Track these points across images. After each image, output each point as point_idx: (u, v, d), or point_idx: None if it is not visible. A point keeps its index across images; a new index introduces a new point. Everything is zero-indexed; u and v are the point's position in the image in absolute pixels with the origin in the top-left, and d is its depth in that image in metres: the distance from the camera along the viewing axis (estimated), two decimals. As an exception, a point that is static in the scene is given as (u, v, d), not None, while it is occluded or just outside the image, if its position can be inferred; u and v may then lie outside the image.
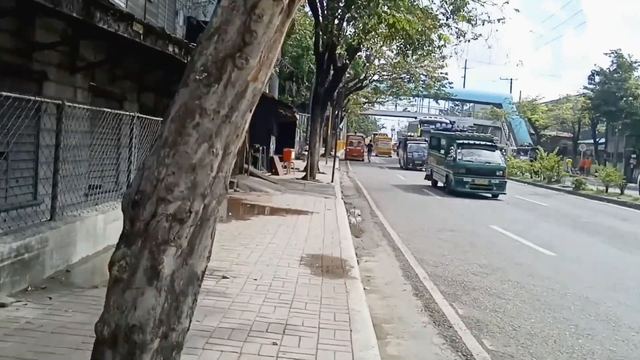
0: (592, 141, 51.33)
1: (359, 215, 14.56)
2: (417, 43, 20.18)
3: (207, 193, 2.40)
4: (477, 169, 21.09)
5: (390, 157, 57.31)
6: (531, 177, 34.37)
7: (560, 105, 56.81)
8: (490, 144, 23.34)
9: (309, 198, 15.55)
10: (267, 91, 26.94)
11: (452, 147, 21.80)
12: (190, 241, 2.43)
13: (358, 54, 30.98)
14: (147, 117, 9.01)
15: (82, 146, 7.26)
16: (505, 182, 21.85)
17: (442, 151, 23.57)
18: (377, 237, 11.21)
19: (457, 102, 79.18)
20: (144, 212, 2.35)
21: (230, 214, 11.51)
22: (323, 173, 24.44)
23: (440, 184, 23.73)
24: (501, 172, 21.53)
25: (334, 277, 6.61)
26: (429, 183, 25.15)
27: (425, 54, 21.14)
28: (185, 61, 10.88)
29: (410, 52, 20.99)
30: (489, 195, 21.24)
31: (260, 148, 21.62)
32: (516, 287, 7.63)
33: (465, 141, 22.57)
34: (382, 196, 19.35)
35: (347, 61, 21.46)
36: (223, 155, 2.43)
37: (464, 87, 75.97)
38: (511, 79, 73.84)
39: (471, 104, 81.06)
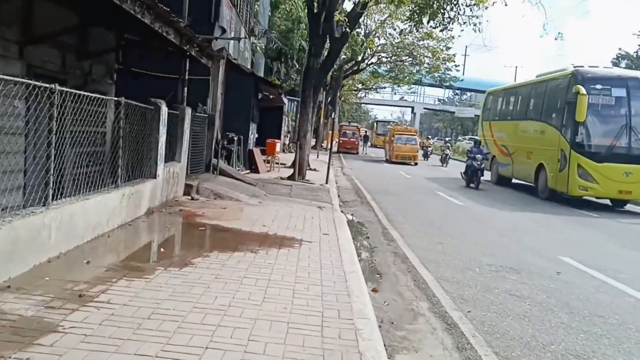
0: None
1: (367, 237, 10.10)
2: (435, 3, 15.69)
3: None
4: None
5: (415, 164, 34.20)
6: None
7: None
8: None
9: (297, 210, 11.03)
10: (250, 67, 22.30)
11: None
12: None
13: (357, 30, 26.44)
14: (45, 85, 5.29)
15: None
16: None
17: None
18: (407, 290, 6.74)
19: (456, 92, 74.49)
20: None
21: (162, 250, 6.86)
22: (314, 170, 19.93)
23: None
24: None
25: None
26: None
27: (449, 17, 16.35)
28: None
29: (427, 17, 16.42)
30: None
31: (236, 138, 16.68)
32: None
33: None
34: (389, 201, 14.88)
35: (348, 29, 16.80)
36: None
37: (463, 74, 71.53)
38: (516, 67, 69.80)
39: (472, 93, 76.57)
